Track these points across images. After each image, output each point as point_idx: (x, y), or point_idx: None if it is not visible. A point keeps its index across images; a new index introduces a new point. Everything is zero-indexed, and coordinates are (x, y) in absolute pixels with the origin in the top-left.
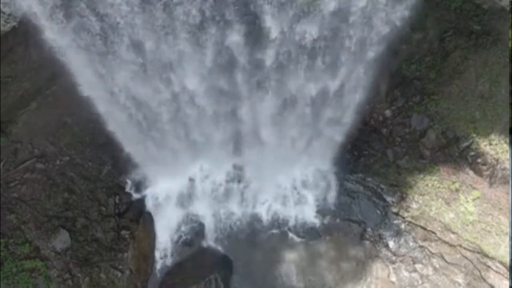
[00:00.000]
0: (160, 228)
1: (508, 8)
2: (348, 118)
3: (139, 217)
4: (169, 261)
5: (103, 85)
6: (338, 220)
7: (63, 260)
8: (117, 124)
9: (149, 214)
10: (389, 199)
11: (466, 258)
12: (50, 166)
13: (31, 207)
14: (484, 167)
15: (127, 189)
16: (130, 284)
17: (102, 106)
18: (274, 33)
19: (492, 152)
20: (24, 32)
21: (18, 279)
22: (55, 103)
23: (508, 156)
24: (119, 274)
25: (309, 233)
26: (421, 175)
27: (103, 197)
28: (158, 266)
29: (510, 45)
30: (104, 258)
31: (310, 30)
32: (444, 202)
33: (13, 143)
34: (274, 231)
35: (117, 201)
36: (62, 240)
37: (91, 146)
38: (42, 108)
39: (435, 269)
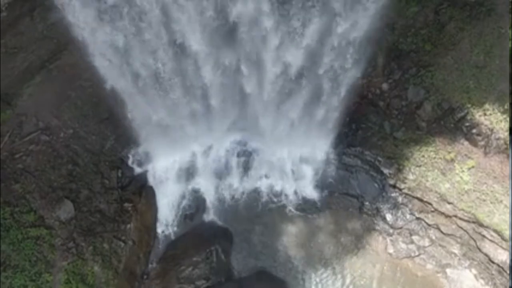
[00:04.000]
0: (162, 201)
1: None
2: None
3: (141, 190)
4: (171, 233)
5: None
6: (336, 194)
7: (67, 229)
8: (123, 95)
9: (151, 188)
10: (386, 171)
11: (462, 228)
12: (55, 139)
13: (35, 178)
14: (479, 137)
15: (130, 164)
16: (133, 254)
17: (108, 76)
18: None
19: (487, 122)
20: (31, 1)
21: (23, 246)
22: (59, 77)
23: (502, 125)
24: (122, 244)
25: (308, 207)
26: (418, 147)
27: (106, 170)
28: (160, 238)
29: (510, 45)
30: (107, 229)
31: None
32: (440, 172)
33: (18, 116)
34: (274, 205)
35: (119, 174)
36: (66, 210)
37: (94, 120)
38: (46, 82)
39: (431, 240)
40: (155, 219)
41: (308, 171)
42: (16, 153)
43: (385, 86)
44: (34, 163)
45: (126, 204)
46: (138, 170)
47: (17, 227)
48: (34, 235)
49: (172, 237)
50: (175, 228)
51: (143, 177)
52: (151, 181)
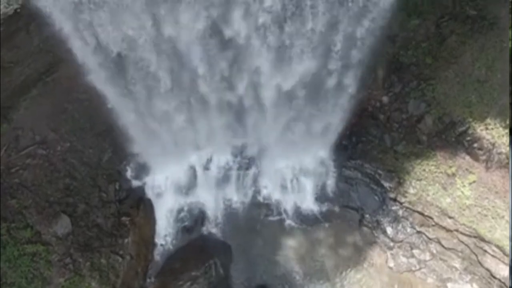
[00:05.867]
0: (160, 214)
1: None
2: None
3: (139, 203)
4: (169, 247)
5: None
6: (336, 207)
7: (64, 245)
8: (120, 109)
9: (149, 201)
10: (386, 184)
11: (463, 243)
12: (51, 152)
13: (32, 192)
14: (480, 152)
15: (127, 176)
16: (131, 269)
17: (105, 89)
18: None
19: (488, 137)
20: (26, 16)
21: (20, 263)
22: (55, 90)
23: (504, 140)
24: (120, 259)
25: (307, 220)
26: (418, 160)
27: (104, 184)
28: (159, 251)
29: (510, 45)
30: (104, 244)
31: None
32: (441, 186)
33: (15, 129)
34: (273, 218)
35: (117, 187)
36: (63, 225)
37: (91, 133)
38: (43, 95)
39: (432, 254)
40: (153, 232)
41: (308, 184)
42: (13, 168)
43: (385, 99)
44: (30, 178)
45: (123, 218)
46: (136, 182)
47: (13, 244)
48: (30, 252)
49: (171, 250)
50: (174, 242)
51: (141, 190)
52: (149, 193)
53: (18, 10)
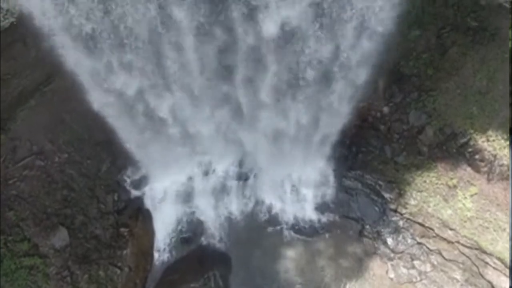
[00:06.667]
0: (159, 225)
1: (506, 5)
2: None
3: (137, 214)
4: (168, 258)
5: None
6: (336, 217)
7: (62, 257)
8: (117, 120)
9: (148, 211)
10: (387, 195)
11: (464, 254)
12: (49, 163)
13: (30, 204)
14: (482, 163)
15: (126, 187)
16: (129, 281)
17: (100, 101)
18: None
19: (490, 148)
20: (22, 28)
21: (17, 276)
22: (53, 100)
23: (506, 152)
24: (118, 271)
25: (307, 230)
26: (419, 172)
27: (102, 195)
28: (157, 263)
29: (510, 46)
30: (103, 255)
31: None
32: (442, 198)
33: (12, 140)
34: (273, 228)
35: (116, 198)
36: (61, 237)
37: (89, 144)
38: (40, 105)
39: (433, 265)
40: (152, 243)
41: (308, 194)
42: (10, 179)
43: (386, 109)
44: (28, 189)
45: (122, 229)
46: (134, 193)
47: (10, 257)
48: (28, 265)
49: (170, 261)
50: (173, 252)
51: (139, 200)
52: (147, 204)
53: (15, 23)
